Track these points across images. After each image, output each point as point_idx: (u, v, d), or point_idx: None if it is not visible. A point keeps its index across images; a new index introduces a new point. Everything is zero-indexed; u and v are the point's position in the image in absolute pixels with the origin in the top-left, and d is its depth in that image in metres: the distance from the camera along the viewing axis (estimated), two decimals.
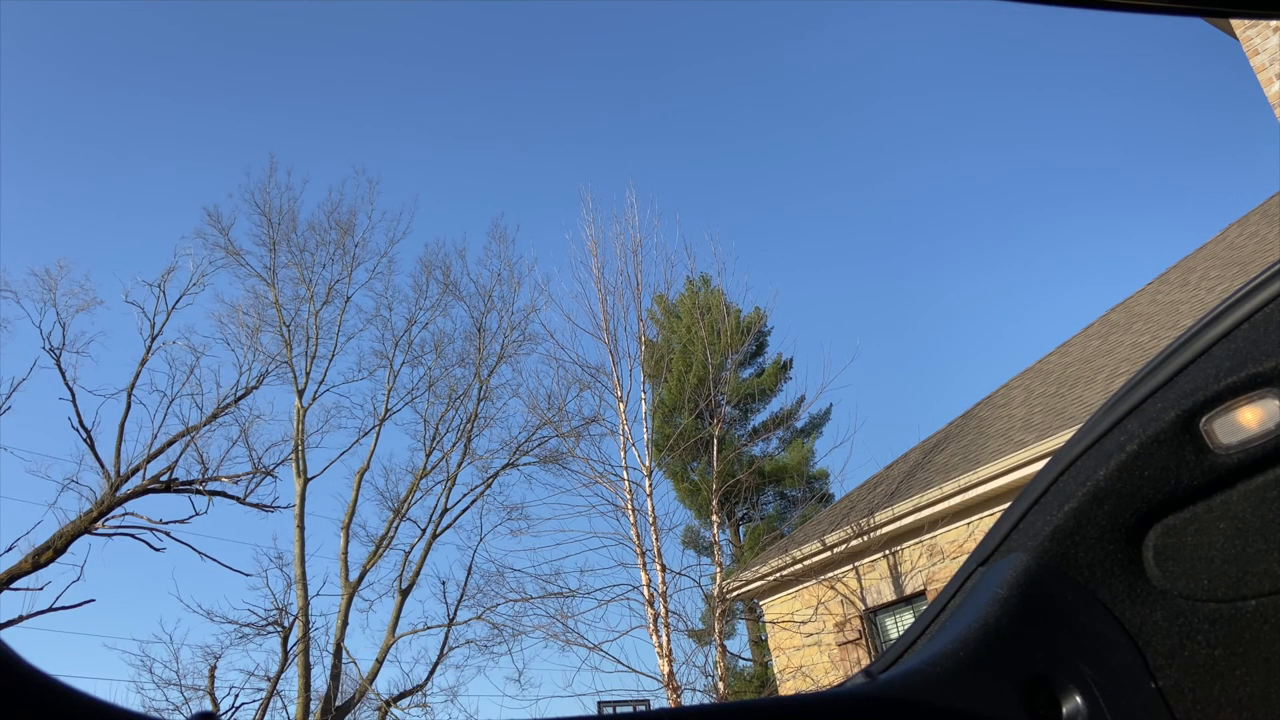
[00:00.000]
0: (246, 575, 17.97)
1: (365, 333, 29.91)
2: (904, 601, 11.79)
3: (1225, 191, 35.55)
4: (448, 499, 19.12)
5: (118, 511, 14.52)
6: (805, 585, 12.69)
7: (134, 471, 15.02)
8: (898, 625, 11.91)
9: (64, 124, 26.70)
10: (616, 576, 24.44)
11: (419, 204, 33.10)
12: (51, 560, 13.64)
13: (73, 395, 14.93)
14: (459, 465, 19.28)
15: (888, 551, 11.86)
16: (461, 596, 18.10)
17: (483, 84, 33.27)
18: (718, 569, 13.19)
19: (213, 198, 31.62)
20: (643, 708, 11.16)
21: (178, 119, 28.07)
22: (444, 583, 18.51)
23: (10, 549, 13.35)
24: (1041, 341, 39.73)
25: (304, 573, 17.36)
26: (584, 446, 14.12)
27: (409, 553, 18.77)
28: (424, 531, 18.86)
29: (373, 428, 19.38)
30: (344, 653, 17.42)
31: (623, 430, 12.92)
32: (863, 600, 12.08)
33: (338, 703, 16.87)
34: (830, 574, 12.33)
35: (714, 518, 13.62)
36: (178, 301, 17.06)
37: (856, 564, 12.23)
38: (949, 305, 37.34)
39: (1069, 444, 0.91)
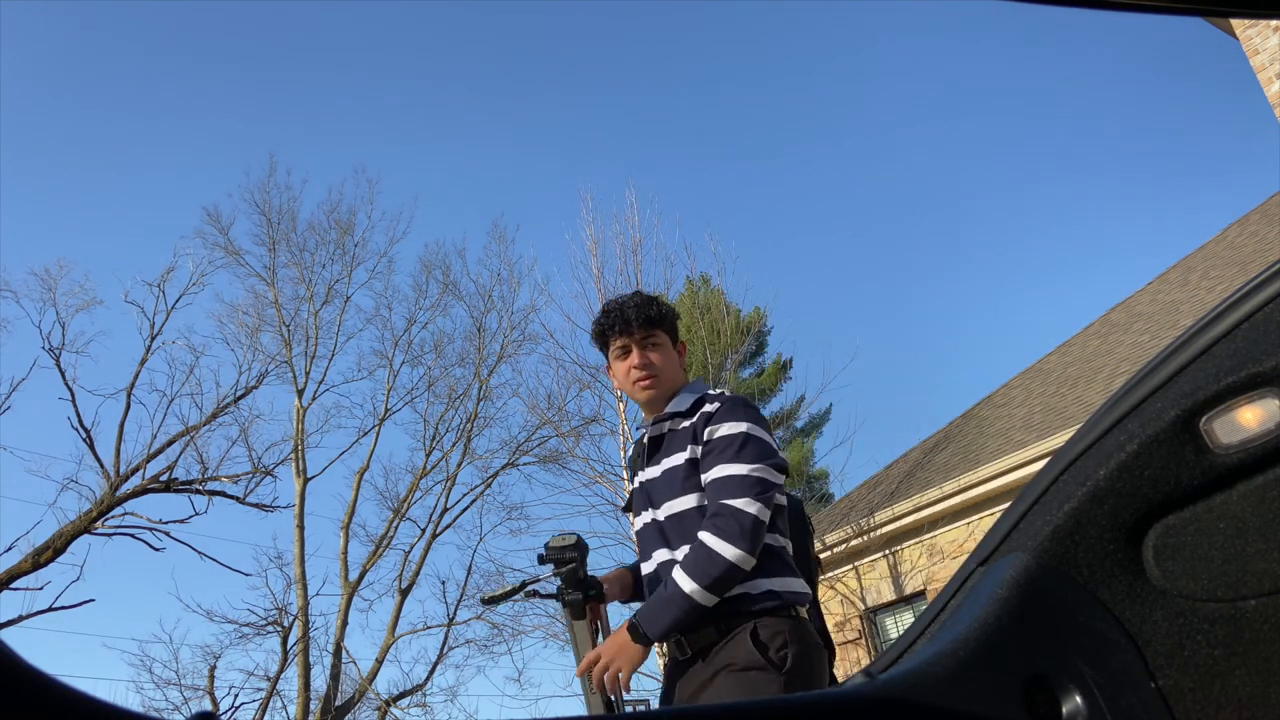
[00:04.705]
0: (246, 575, 17.90)
1: (365, 333, 29.83)
2: (904, 601, 11.80)
3: (1225, 191, 35.55)
4: (447, 499, 19.11)
5: (117, 511, 14.51)
6: None
7: (134, 471, 15.01)
8: (898, 625, 11.91)
9: (63, 123, 26.71)
10: None
11: (419, 204, 33.01)
12: (51, 560, 13.62)
13: (72, 395, 14.91)
14: (459, 465, 19.26)
15: (887, 551, 11.86)
16: (461, 596, 18.10)
17: (483, 84, 33.27)
18: None
19: (212, 197, 31.52)
20: (643, 708, 11.14)
21: (177, 118, 28.06)
22: (444, 583, 18.51)
23: (10, 549, 13.33)
24: (1042, 341, 39.73)
25: (304, 573, 17.36)
26: (584, 446, 14.13)
27: (409, 552, 18.76)
28: (424, 531, 18.85)
29: (372, 428, 19.36)
30: (344, 652, 17.42)
31: (623, 430, 12.93)
32: (862, 600, 12.08)
33: (338, 703, 16.86)
34: (830, 574, 12.33)
35: None
36: (177, 301, 17.02)
37: (856, 564, 12.23)
38: (950, 303, 37.35)
39: (1069, 444, 0.91)
